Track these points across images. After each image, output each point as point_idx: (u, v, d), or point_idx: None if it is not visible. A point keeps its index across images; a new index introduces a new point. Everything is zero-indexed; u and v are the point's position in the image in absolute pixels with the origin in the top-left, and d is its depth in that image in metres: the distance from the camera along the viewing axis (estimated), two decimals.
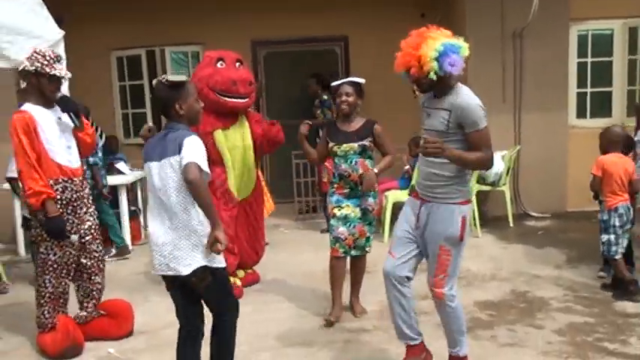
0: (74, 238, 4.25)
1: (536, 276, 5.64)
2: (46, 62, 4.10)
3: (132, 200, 7.71)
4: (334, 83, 4.76)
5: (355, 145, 4.61)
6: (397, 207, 7.17)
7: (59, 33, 5.48)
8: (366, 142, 4.62)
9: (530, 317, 4.67)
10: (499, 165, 7.37)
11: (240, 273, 5.71)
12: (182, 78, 3.21)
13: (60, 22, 5.61)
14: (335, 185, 4.73)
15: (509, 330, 4.45)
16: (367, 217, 4.68)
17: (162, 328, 4.62)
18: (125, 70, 9.50)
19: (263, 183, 6.46)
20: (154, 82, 3.31)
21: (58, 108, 4.24)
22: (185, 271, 3.15)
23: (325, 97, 8.01)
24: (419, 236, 3.61)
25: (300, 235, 7.68)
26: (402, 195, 6.71)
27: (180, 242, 3.14)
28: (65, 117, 4.27)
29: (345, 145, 4.62)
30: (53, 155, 4.14)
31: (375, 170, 4.56)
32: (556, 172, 8.03)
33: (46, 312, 4.30)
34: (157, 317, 4.87)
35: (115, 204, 7.05)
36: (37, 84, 4.14)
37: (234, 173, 5.41)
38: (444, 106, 3.44)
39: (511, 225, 7.54)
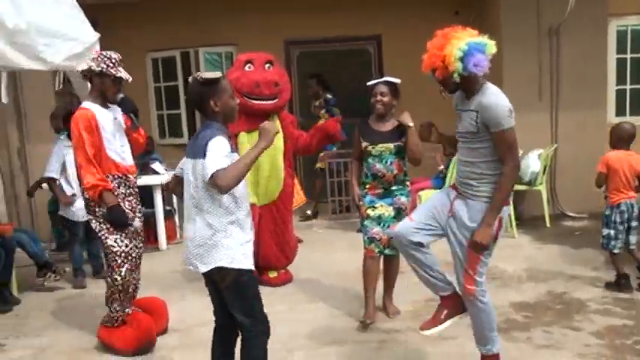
0: (137, 223, 4.38)
1: (574, 277, 5.54)
2: (111, 64, 4.26)
3: (167, 200, 7.81)
4: (370, 83, 4.72)
5: (392, 145, 4.58)
6: None
7: (95, 35, 5.58)
8: (401, 143, 4.59)
9: (567, 319, 4.59)
10: (535, 164, 7.27)
11: (273, 273, 5.74)
12: (216, 75, 3.20)
13: (95, 24, 5.71)
14: (368, 185, 4.69)
15: (546, 332, 4.38)
16: (401, 216, 4.63)
17: (196, 326, 4.67)
18: (160, 72, 9.63)
19: (296, 179, 6.57)
20: (190, 79, 3.31)
21: (114, 108, 4.40)
22: (203, 268, 3.15)
23: (329, 95, 8.15)
24: (446, 224, 3.56)
25: (333, 235, 7.67)
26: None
27: (203, 239, 3.13)
28: (120, 117, 4.43)
29: (380, 145, 4.58)
30: (110, 152, 4.29)
31: (411, 124, 4.50)
32: (594, 171, 7.84)
33: (117, 306, 4.38)
34: (192, 315, 4.92)
35: (150, 204, 7.13)
36: (100, 84, 4.29)
37: (260, 175, 5.46)
38: (472, 107, 3.41)
39: (548, 225, 7.41)
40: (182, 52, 9.41)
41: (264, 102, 5.43)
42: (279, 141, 5.47)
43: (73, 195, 6.01)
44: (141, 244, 4.57)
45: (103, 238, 4.33)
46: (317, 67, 9.28)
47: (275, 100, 5.49)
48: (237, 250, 3.13)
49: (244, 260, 3.16)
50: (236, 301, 3.19)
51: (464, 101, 3.51)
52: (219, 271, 3.12)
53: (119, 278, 4.32)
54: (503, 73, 7.32)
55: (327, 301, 5.22)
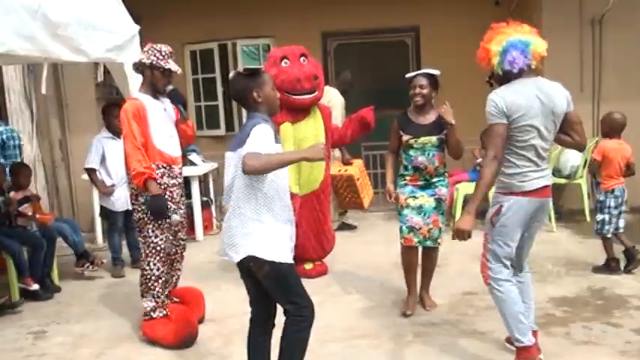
0: (175, 217, 4.42)
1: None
2: (161, 57, 4.36)
3: (204, 191, 7.89)
4: (408, 75, 4.68)
5: (434, 138, 4.54)
6: (468, 199, 7.05)
7: (135, 28, 5.65)
8: (443, 136, 4.55)
9: (607, 315, 4.50)
10: (575, 158, 7.14)
11: (308, 265, 5.75)
12: (257, 66, 3.24)
13: (138, 18, 5.78)
14: (408, 177, 4.65)
15: (585, 327, 4.30)
16: (441, 206, 4.62)
17: (231, 317, 4.71)
18: (198, 64, 9.70)
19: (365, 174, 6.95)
20: (231, 75, 3.34)
21: (163, 99, 4.50)
22: (236, 258, 3.16)
23: None
24: None
25: (369, 227, 7.65)
26: (473, 187, 6.58)
27: (237, 229, 3.15)
28: (169, 108, 4.52)
29: (423, 138, 4.54)
30: (157, 142, 4.37)
31: (453, 122, 4.46)
32: (637, 164, 7.66)
33: (149, 297, 4.43)
34: (227, 306, 4.96)
35: (188, 195, 7.21)
36: (150, 76, 4.40)
37: (304, 165, 5.45)
38: None
39: (588, 219, 7.25)
40: (220, 45, 9.46)
41: (304, 97, 5.46)
42: (320, 132, 5.56)
43: (112, 185, 6.11)
44: (183, 238, 4.64)
45: (140, 227, 4.40)
46: (354, 59, 9.25)
47: (315, 94, 5.51)
48: (272, 242, 3.12)
49: (280, 253, 3.14)
50: (277, 289, 3.20)
51: None
52: (254, 261, 3.12)
53: (148, 269, 4.39)
54: (544, 63, 7.18)
55: (362, 294, 5.21)
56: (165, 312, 4.45)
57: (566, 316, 4.51)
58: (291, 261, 3.21)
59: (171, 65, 4.39)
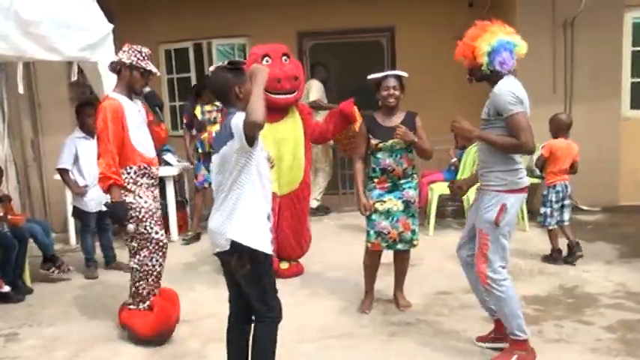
0: (131, 227, 4.34)
1: (586, 271, 5.51)
2: (141, 57, 4.35)
3: (178, 191, 7.85)
4: (372, 76, 4.69)
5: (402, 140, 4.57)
6: (443, 199, 7.11)
7: (108, 26, 5.60)
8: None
9: (578, 313, 4.58)
10: None
11: (284, 264, 5.76)
12: (241, 60, 3.26)
13: (110, 16, 5.73)
14: (376, 180, 4.66)
15: (557, 326, 4.37)
16: (410, 209, 4.63)
17: (206, 317, 4.70)
18: (173, 63, 9.64)
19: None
20: (212, 68, 3.36)
21: (137, 101, 4.49)
22: (225, 244, 3.18)
23: None
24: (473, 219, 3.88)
25: (345, 228, 7.66)
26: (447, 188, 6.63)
27: (225, 214, 3.19)
28: (143, 111, 4.50)
29: (391, 141, 4.55)
30: (135, 143, 4.35)
31: (415, 139, 4.51)
32: (608, 164, 7.80)
33: (147, 291, 4.43)
34: (202, 307, 4.95)
35: (162, 195, 7.16)
36: (129, 76, 4.36)
37: (284, 164, 5.49)
38: (489, 97, 3.64)
39: None
40: (195, 44, 9.41)
41: (284, 96, 5.45)
42: (299, 132, 5.56)
43: (85, 186, 6.05)
44: (163, 236, 4.58)
45: (137, 224, 4.37)
46: (330, 58, 9.26)
47: (295, 94, 5.51)
48: (256, 230, 3.17)
49: (263, 242, 3.20)
50: (252, 286, 3.23)
51: (489, 93, 3.69)
52: (237, 248, 3.14)
53: (150, 265, 4.41)
54: (518, 65, 7.27)
55: (337, 294, 5.23)
56: (150, 304, 4.44)
57: (538, 314, 4.57)
58: (271, 253, 3.24)
59: (151, 67, 4.39)
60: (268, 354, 3.30)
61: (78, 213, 6.25)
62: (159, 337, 4.34)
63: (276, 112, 5.46)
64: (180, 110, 9.65)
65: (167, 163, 7.51)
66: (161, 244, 4.42)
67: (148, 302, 4.45)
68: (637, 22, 7.98)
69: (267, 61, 5.45)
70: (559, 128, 5.93)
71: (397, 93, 4.58)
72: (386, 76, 4.63)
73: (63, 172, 6.12)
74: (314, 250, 6.10)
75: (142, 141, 4.41)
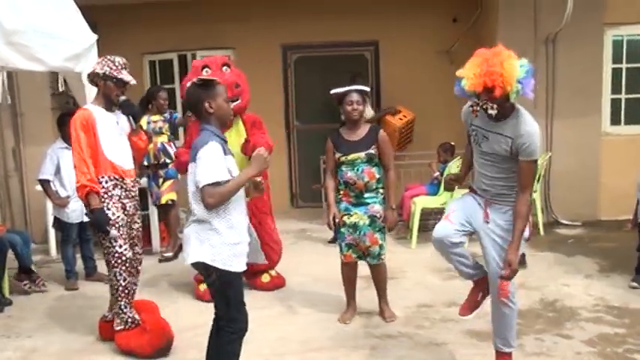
0: (113, 233, 4.31)
1: (566, 285, 5.55)
2: (114, 67, 4.37)
3: None
4: (335, 90, 4.73)
5: (362, 154, 4.62)
6: (425, 213, 7.14)
7: (92, 37, 5.58)
8: (372, 150, 4.62)
9: (558, 327, 4.60)
10: None
11: (266, 277, 5.74)
12: (212, 78, 3.36)
13: (94, 26, 5.72)
14: (341, 192, 4.75)
15: (537, 339, 4.39)
16: (375, 224, 4.67)
17: (188, 330, 4.66)
18: (157, 74, 9.63)
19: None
20: (188, 84, 3.46)
21: (118, 113, 4.49)
22: (189, 260, 3.29)
23: None
24: (480, 227, 3.67)
25: (327, 239, 7.65)
26: (431, 201, 6.69)
27: (192, 233, 3.27)
28: (122, 121, 4.50)
29: (352, 155, 4.64)
30: (107, 153, 4.33)
31: (393, 206, 4.64)
32: (588, 179, 7.89)
33: (123, 306, 4.39)
34: (183, 319, 4.91)
35: (145, 206, 7.11)
36: (103, 87, 4.39)
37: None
38: (507, 132, 3.42)
39: (541, 233, 7.43)
40: (179, 55, 9.41)
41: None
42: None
43: (67, 197, 6.00)
44: (139, 252, 4.58)
45: (102, 238, 4.35)
46: (314, 72, 9.30)
47: (237, 102, 5.50)
48: (224, 250, 3.22)
49: (231, 261, 3.25)
50: (216, 296, 3.34)
51: (489, 122, 3.48)
52: (204, 266, 3.24)
53: (115, 280, 4.36)
54: None
55: (318, 306, 5.22)
56: (136, 322, 4.40)
57: (519, 328, 4.54)
58: (240, 269, 3.30)
59: (124, 76, 4.39)
60: (225, 357, 3.35)
61: (59, 224, 6.20)
62: (159, 353, 4.30)
63: None
64: None
65: None
66: (124, 258, 4.35)
67: (126, 318, 4.39)
68: (617, 39, 8.09)
69: (206, 72, 5.43)
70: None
71: (360, 108, 4.65)
72: (349, 91, 4.67)
73: (44, 183, 6.07)
74: (295, 262, 6.10)
75: (116, 151, 4.39)
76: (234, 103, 5.45)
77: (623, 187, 6.39)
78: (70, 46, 5.30)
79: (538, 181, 7.43)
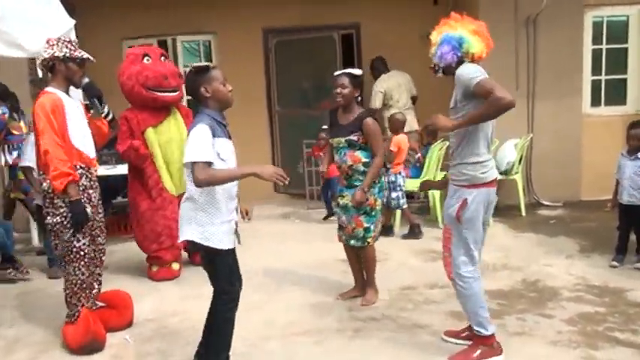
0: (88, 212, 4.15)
1: (548, 265, 5.60)
2: (72, 47, 4.15)
3: None
4: (336, 74, 4.74)
5: (342, 139, 4.63)
6: (408, 196, 7.16)
7: (70, 22, 5.50)
8: (352, 137, 4.59)
9: (540, 307, 4.65)
10: (511, 154, 7.33)
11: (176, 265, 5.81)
12: (205, 64, 3.50)
13: (72, 11, 5.63)
14: (338, 175, 4.86)
15: (519, 319, 4.43)
16: (362, 207, 4.67)
17: (170, 316, 4.66)
18: None
19: None
20: (187, 71, 3.59)
21: (75, 97, 4.29)
22: (181, 237, 3.48)
23: None
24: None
25: (311, 225, 7.68)
26: (414, 184, 6.69)
27: (184, 212, 3.44)
28: (81, 106, 4.32)
29: (336, 139, 4.69)
30: (75, 141, 4.13)
31: (365, 189, 4.58)
32: (569, 160, 7.96)
33: (75, 301, 4.22)
34: (166, 305, 4.92)
35: (125, 194, 7.05)
36: (64, 70, 4.14)
37: (172, 167, 5.55)
38: (455, 82, 3.62)
39: (523, 214, 7.49)
40: (159, 41, 9.28)
41: (171, 94, 5.52)
42: (183, 132, 5.47)
43: None
44: (102, 243, 4.43)
45: (57, 232, 4.14)
46: (295, 55, 9.24)
47: (178, 92, 5.54)
48: (212, 228, 3.36)
49: (218, 238, 3.38)
50: (208, 271, 3.51)
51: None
52: (193, 243, 3.41)
53: (73, 274, 4.18)
54: (480, 61, 7.35)
55: (302, 290, 5.23)
56: (77, 316, 4.23)
57: (501, 308, 4.63)
58: (227, 247, 3.44)
59: (85, 54, 4.16)
60: (222, 332, 3.53)
61: (42, 211, 6.12)
62: (81, 350, 4.13)
63: (161, 111, 5.55)
64: None
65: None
66: (82, 253, 4.16)
67: (75, 312, 4.22)
68: (597, 20, 8.13)
69: (147, 60, 5.54)
70: (397, 127, 6.83)
71: (345, 92, 4.60)
72: (337, 75, 4.68)
73: (27, 170, 6.00)
74: (279, 248, 6.10)
75: (81, 139, 4.18)
76: (176, 94, 5.50)
77: (603, 167, 6.43)
78: (49, 31, 5.17)
79: (519, 162, 7.49)
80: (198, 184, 3.24)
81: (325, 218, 7.61)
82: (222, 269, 3.47)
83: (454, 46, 3.57)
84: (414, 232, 6.71)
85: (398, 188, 6.64)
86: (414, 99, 8.28)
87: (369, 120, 4.60)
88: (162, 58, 5.65)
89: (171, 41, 9.30)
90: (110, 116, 4.58)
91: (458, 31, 3.61)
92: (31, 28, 4.98)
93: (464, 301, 3.78)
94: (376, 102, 8.08)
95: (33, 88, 7.76)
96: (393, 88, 8.11)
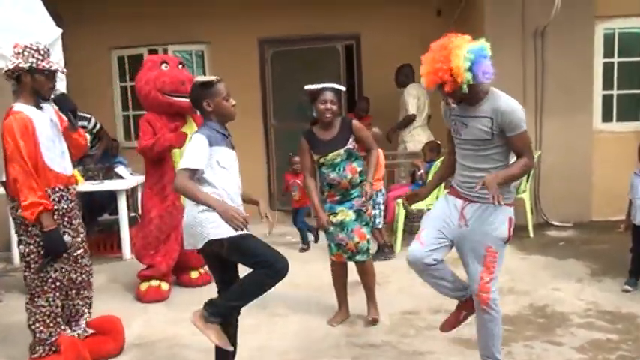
0: (67, 238, 4.08)
1: (557, 289, 5.59)
2: (41, 57, 3.95)
3: (132, 206, 7.75)
4: (309, 86, 4.73)
5: (341, 151, 4.64)
6: (410, 215, 7.16)
7: (57, 31, 5.52)
8: (350, 145, 4.65)
9: (549, 333, 4.64)
10: None
11: (194, 273, 5.99)
12: (211, 78, 3.64)
13: (59, 20, 5.65)
14: (326, 194, 4.79)
15: (527, 346, 4.42)
16: (362, 217, 4.73)
17: (159, 341, 4.65)
18: (127, 70, 9.56)
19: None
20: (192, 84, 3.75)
21: (47, 109, 4.13)
22: (199, 245, 3.51)
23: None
24: (456, 234, 3.67)
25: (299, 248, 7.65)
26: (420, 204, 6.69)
27: (192, 220, 3.50)
28: (55, 118, 4.16)
29: (331, 155, 4.65)
30: (50, 162, 3.99)
31: (370, 181, 4.66)
32: (579, 179, 7.96)
33: (45, 335, 4.12)
34: (155, 329, 4.90)
35: (114, 211, 7.08)
36: (31, 82, 3.96)
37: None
38: (484, 113, 3.45)
39: (531, 235, 7.48)
40: (150, 50, 9.32)
41: (186, 99, 5.53)
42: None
43: None
44: (87, 264, 4.36)
45: (30, 261, 4.03)
46: (292, 66, 9.28)
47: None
48: (218, 220, 3.37)
49: (222, 229, 3.41)
50: (242, 258, 3.54)
51: (467, 108, 3.52)
52: (212, 244, 3.46)
53: (47, 305, 4.09)
54: None
55: (298, 314, 5.22)
56: (53, 346, 4.13)
57: (507, 334, 4.61)
58: (244, 232, 3.41)
59: (55, 65, 4.01)
60: (250, 287, 3.59)
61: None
62: None
63: (176, 119, 5.70)
64: (134, 119, 9.59)
65: (119, 177, 7.43)
66: (58, 283, 4.08)
67: (51, 347, 4.11)
68: (608, 33, 8.16)
69: (165, 66, 5.74)
70: (377, 141, 6.41)
71: (335, 108, 4.64)
72: (323, 89, 4.66)
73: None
74: None
75: (57, 158, 4.06)
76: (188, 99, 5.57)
77: (615, 186, 6.44)
78: (33, 41, 5.23)
79: (527, 180, 7.49)
80: (174, 187, 3.45)
81: (302, 250, 7.45)
82: (254, 245, 3.49)
83: (488, 58, 3.35)
84: (383, 252, 6.76)
85: (377, 207, 6.59)
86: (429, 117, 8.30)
87: (355, 121, 4.81)
88: (180, 65, 5.87)
89: (162, 51, 9.32)
90: (97, 127, 4.56)
91: (472, 44, 3.38)
92: (14, 38, 4.98)
93: (495, 324, 3.70)
94: (412, 107, 7.95)
95: (16, 98, 7.76)
96: (423, 99, 8.10)
